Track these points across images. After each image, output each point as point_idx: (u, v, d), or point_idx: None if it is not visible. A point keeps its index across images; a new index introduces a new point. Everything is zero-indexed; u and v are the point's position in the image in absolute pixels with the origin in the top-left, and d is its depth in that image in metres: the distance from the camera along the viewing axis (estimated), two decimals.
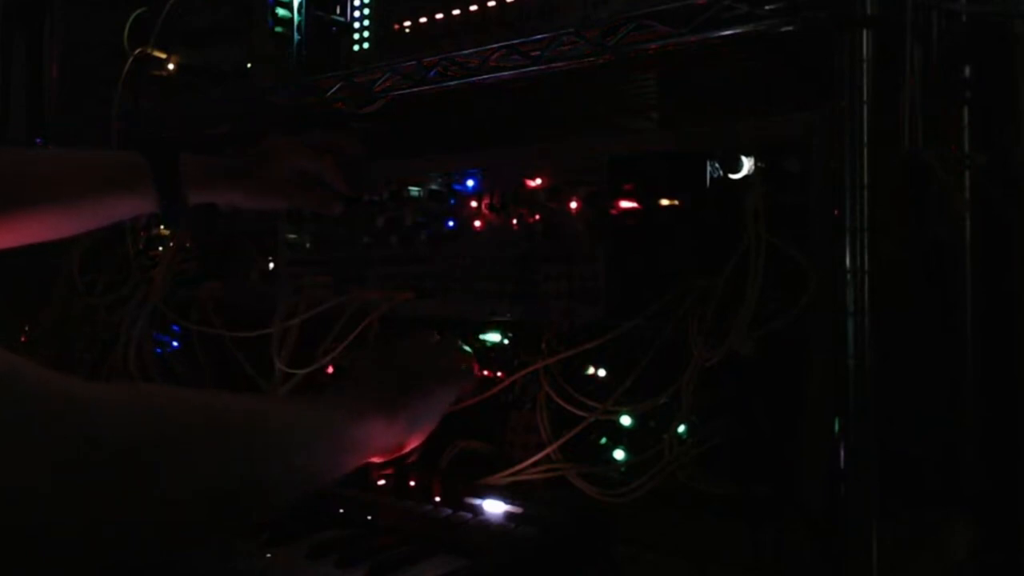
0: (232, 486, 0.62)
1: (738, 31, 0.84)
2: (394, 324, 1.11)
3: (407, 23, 1.09)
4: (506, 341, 1.06)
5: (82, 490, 0.51)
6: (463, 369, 1.02)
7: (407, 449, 0.90)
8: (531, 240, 1.01)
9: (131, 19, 1.36)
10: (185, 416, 0.61)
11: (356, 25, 1.15)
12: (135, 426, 0.56)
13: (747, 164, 0.87)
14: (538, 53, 0.97)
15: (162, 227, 1.41)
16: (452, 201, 1.10)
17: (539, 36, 0.95)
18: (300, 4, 1.21)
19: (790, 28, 0.82)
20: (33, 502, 0.49)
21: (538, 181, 1.02)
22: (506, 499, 0.94)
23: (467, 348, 1.06)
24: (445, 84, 1.06)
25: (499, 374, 1.04)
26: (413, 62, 1.06)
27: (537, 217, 1.01)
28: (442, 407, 0.94)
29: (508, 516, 0.92)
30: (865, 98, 0.76)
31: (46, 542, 0.51)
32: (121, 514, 0.53)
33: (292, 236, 1.26)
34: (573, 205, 0.98)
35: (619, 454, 0.95)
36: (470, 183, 1.09)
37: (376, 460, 0.90)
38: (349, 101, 1.16)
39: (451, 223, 1.10)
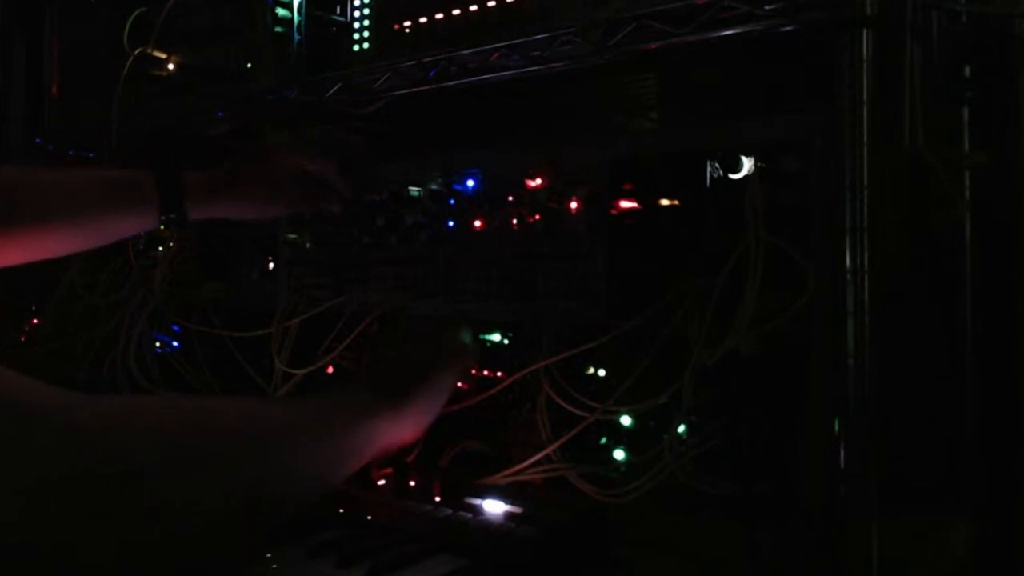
0: (237, 496, 0.62)
1: (738, 31, 0.84)
2: (394, 324, 1.11)
3: (407, 23, 1.09)
4: (506, 341, 1.06)
5: (75, 513, 0.51)
6: (464, 346, 0.99)
7: (412, 440, 0.89)
8: (531, 240, 1.01)
9: (131, 19, 1.35)
10: (185, 429, 0.61)
11: (356, 25, 1.15)
12: (132, 444, 0.55)
13: (747, 164, 0.87)
14: (538, 53, 0.97)
15: (162, 226, 1.41)
16: (452, 201, 1.10)
17: (539, 36, 0.95)
18: (300, 4, 1.21)
19: (790, 28, 0.82)
20: (16, 527, 0.49)
21: (538, 181, 1.02)
22: (506, 499, 0.94)
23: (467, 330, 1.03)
24: (445, 84, 1.06)
25: (499, 374, 1.04)
26: (413, 62, 1.06)
27: (537, 217, 1.01)
28: (446, 391, 0.92)
29: (508, 516, 0.92)
30: (865, 98, 0.76)
31: (36, 564, 0.50)
32: (121, 535, 0.53)
33: (292, 236, 1.26)
34: (573, 205, 0.98)
35: (619, 454, 0.95)
36: (470, 183, 1.09)
37: (382, 455, 0.89)
38: (349, 101, 1.16)
39: (451, 223, 1.10)
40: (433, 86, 1.07)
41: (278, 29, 1.21)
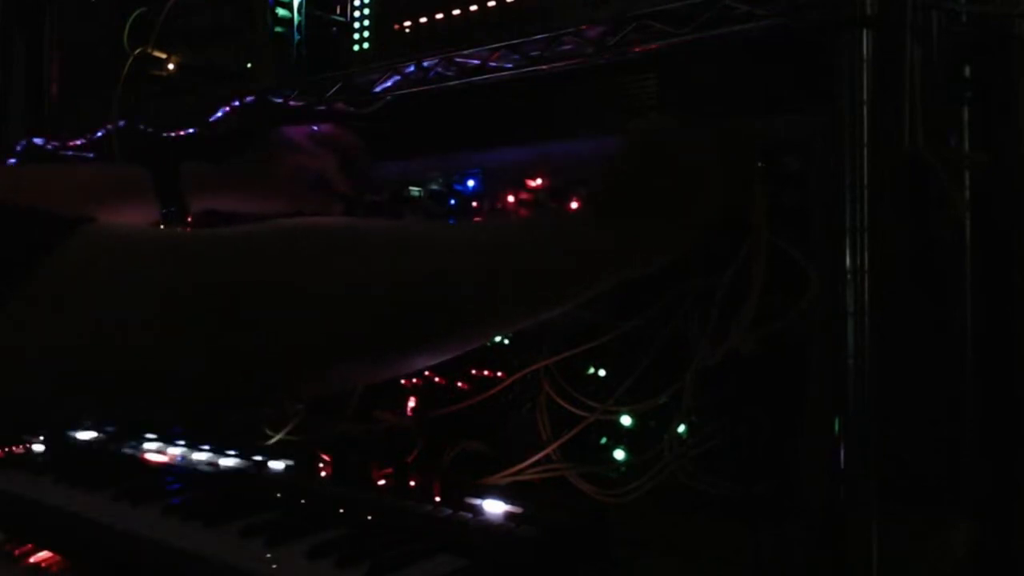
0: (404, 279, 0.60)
1: (738, 31, 0.84)
2: None
3: (407, 23, 1.09)
4: (506, 341, 1.06)
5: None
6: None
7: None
8: None
9: (131, 19, 1.35)
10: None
11: (356, 25, 1.15)
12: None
13: None
14: (538, 53, 0.97)
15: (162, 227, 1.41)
16: (452, 201, 1.10)
17: (539, 36, 0.95)
18: (300, 4, 1.21)
19: (790, 28, 0.82)
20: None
21: (538, 181, 1.02)
22: (506, 499, 0.94)
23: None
24: (445, 84, 1.06)
25: (499, 374, 1.04)
26: (413, 62, 1.06)
27: None
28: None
29: (508, 516, 0.92)
30: (865, 98, 0.76)
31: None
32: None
33: None
34: (573, 205, 0.98)
35: (619, 454, 0.95)
36: (470, 183, 1.09)
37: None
38: (349, 101, 1.16)
39: (452, 223, 1.10)
40: (433, 86, 1.07)
41: (278, 29, 1.20)
